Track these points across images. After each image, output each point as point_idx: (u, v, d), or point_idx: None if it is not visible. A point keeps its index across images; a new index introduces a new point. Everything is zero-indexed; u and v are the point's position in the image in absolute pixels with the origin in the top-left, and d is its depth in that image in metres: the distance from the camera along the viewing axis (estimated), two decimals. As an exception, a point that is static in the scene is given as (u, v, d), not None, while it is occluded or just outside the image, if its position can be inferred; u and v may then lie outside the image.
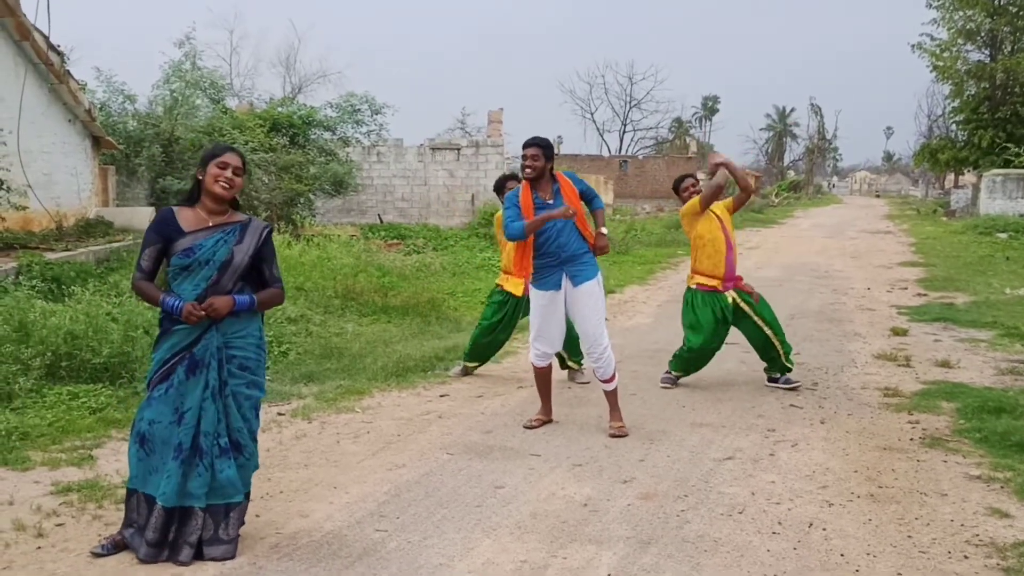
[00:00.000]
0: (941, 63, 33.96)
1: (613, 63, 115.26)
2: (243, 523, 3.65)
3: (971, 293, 11.84)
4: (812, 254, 18.19)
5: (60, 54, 11.70)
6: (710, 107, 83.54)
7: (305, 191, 16.32)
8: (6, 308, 6.39)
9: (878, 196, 74.93)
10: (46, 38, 11.13)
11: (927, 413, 5.82)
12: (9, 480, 4.33)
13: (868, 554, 3.64)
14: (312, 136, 18.44)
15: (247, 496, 3.66)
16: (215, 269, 3.53)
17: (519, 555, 3.60)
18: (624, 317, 10.07)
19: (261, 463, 3.84)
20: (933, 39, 34.20)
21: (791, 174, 74.48)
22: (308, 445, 5.09)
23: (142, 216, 12.35)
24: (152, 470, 3.51)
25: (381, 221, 22.23)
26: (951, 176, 47.85)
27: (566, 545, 3.71)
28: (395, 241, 17.66)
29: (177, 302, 3.48)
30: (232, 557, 3.50)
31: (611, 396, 5.44)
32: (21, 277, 8.06)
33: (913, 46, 34.37)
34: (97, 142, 12.94)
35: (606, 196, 29.96)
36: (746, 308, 6.41)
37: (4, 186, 9.71)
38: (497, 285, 6.95)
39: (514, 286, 6.68)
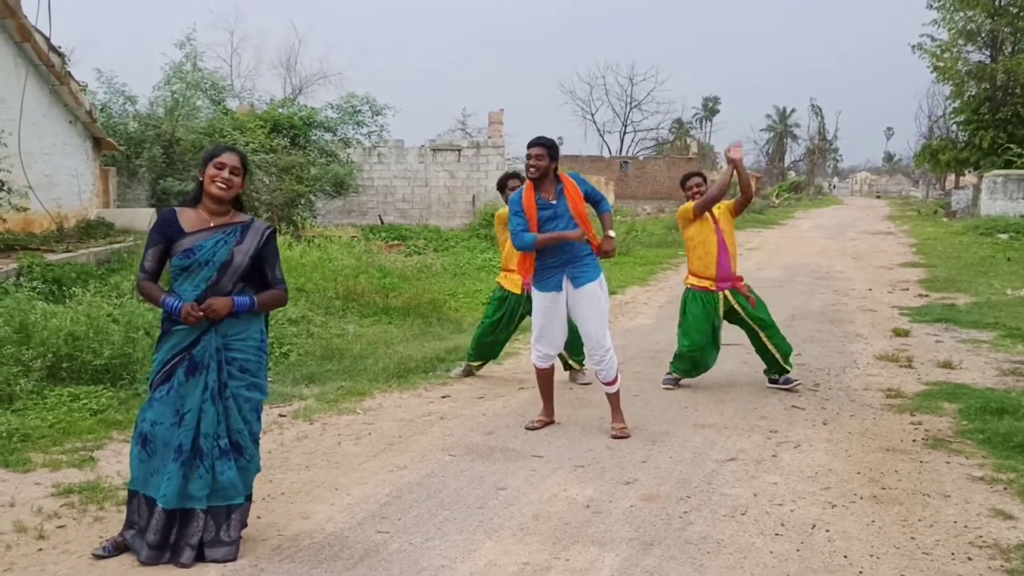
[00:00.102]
0: (942, 64, 33.98)
1: (614, 64, 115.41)
2: (245, 525, 3.64)
3: (972, 294, 11.83)
4: (813, 255, 18.18)
5: (61, 55, 11.71)
6: (711, 108, 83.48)
7: (306, 192, 16.32)
8: (7, 309, 6.39)
9: (879, 197, 74.93)
10: (47, 39, 11.13)
11: (929, 414, 5.81)
12: (10, 482, 4.32)
13: (871, 556, 3.63)
14: (313, 137, 18.45)
15: (249, 498, 3.65)
16: (215, 270, 3.52)
17: (521, 557, 3.59)
18: (625, 318, 10.06)
19: (262, 464, 3.83)
20: (934, 40, 34.26)
21: (792, 175, 74.51)
22: (309, 446, 5.08)
23: (143, 217, 12.34)
24: (153, 472, 3.50)
25: (382, 222, 22.23)
26: (952, 177, 47.85)
27: (569, 547, 3.70)
28: (396, 242, 17.65)
29: (177, 303, 3.48)
30: (234, 559, 3.49)
31: (613, 398, 5.42)
32: (22, 278, 8.05)
33: (913, 47, 34.44)
34: (98, 143, 12.94)
35: (607, 197, 29.90)
36: (739, 310, 6.41)
37: (5, 187, 9.71)
38: (497, 283, 6.97)
39: (512, 283, 6.71)
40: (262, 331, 3.69)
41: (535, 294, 5.44)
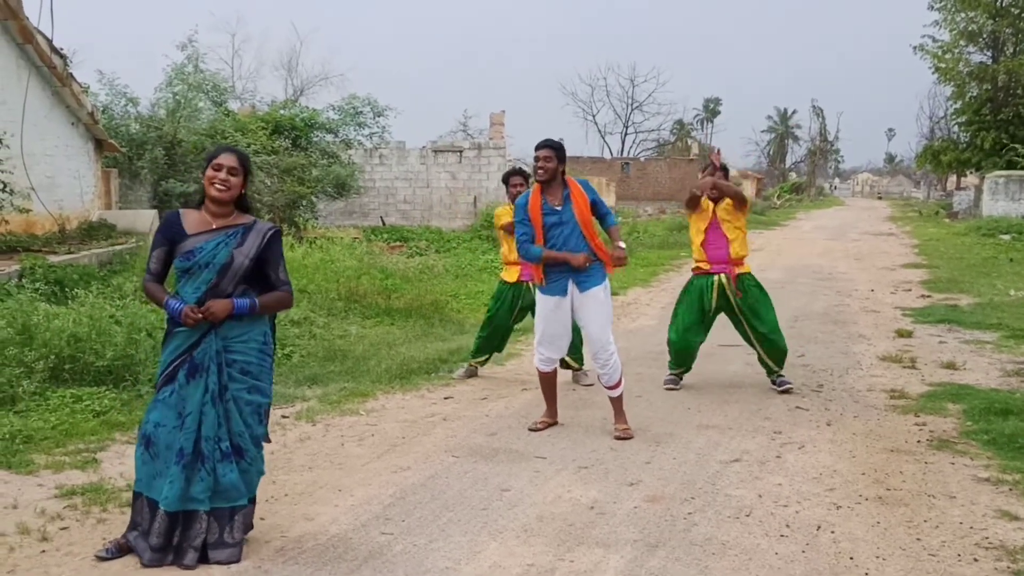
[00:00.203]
0: (943, 65, 33.94)
1: (615, 65, 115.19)
2: (250, 527, 3.63)
3: (975, 295, 11.81)
4: (815, 256, 18.16)
5: (63, 57, 11.70)
6: (712, 109, 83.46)
7: (307, 193, 16.32)
8: (9, 311, 6.38)
9: (880, 198, 74.89)
10: (49, 41, 11.12)
11: (934, 415, 5.79)
12: (13, 483, 4.31)
13: (877, 557, 3.61)
14: (314, 138, 18.45)
15: (253, 501, 3.64)
16: (215, 272, 3.51)
17: (526, 558, 3.58)
18: (628, 319, 10.05)
19: (265, 467, 3.81)
20: (935, 41, 34.22)
21: (793, 176, 74.47)
22: (312, 448, 5.08)
23: (144, 219, 12.34)
24: (156, 474, 3.49)
25: (383, 223, 22.23)
26: (953, 178, 47.82)
27: (573, 548, 3.69)
28: (398, 243, 17.65)
29: (178, 305, 3.48)
30: (237, 561, 3.48)
31: (616, 402, 5.41)
32: (24, 280, 8.04)
33: (915, 48, 34.40)
34: (100, 145, 12.93)
35: (608, 198, 29.95)
36: (730, 296, 6.43)
37: (7, 189, 9.70)
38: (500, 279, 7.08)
39: (509, 275, 6.77)
40: (266, 334, 3.67)
41: (540, 298, 5.42)
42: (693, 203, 6.54)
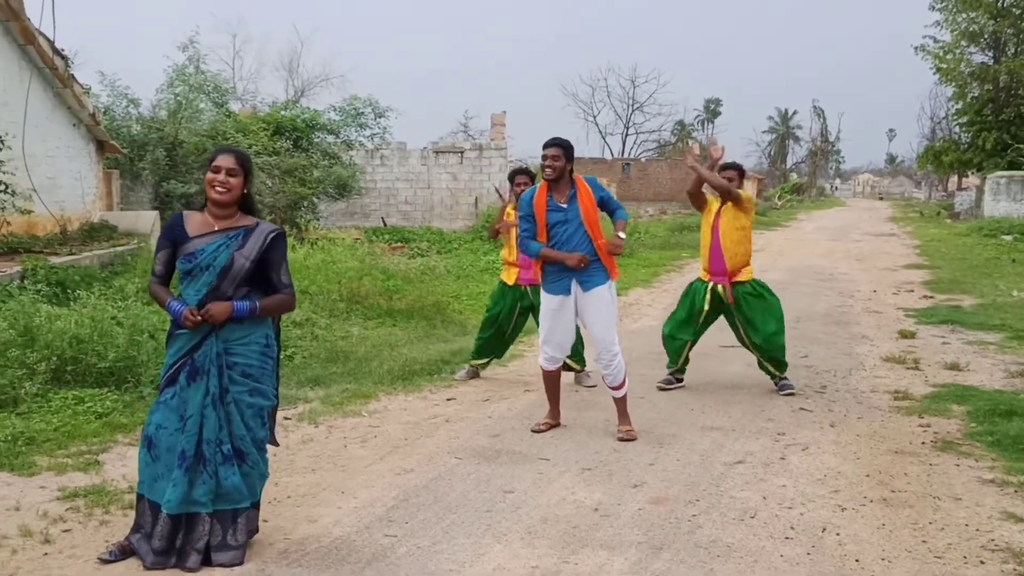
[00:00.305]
0: (944, 65, 33.93)
1: (616, 66, 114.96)
2: (256, 531, 3.62)
3: (978, 295, 11.79)
4: (817, 257, 18.14)
5: (65, 58, 11.69)
6: (712, 110, 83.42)
7: (309, 194, 16.31)
8: (11, 312, 6.37)
9: (881, 199, 74.81)
10: (51, 42, 11.12)
11: (938, 416, 5.77)
12: (15, 485, 4.30)
13: (883, 559, 3.60)
14: (315, 139, 18.44)
15: (256, 505, 3.63)
16: (215, 274, 3.50)
17: (530, 561, 3.57)
18: (630, 320, 10.03)
19: (269, 469, 3.80)
20: (936, 41, 34.21)
21: (794, 176, 74.42)
22: (315, 449, 5.06)
23: (146, 220, 12.33)
24: (158, 476, 3.48)
25: (385, 224, 22.22)
26: (954, 178, 47.78)
27: (578, 550, 3.67)
28: (399, 244, 17.65)
29: (180, 307, 3.47)
30: (240, 563, 3.47)
31: (620, 403, 5.39)
32: (26, 281, 8.03)
33: (916, 48, 34.40)
34: (101, 146, 12.92)
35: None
36: (727, 302, 6.43)
37: (9, 190, 9.69)
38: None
39: (508, 276, 6.78)
40: (268, 336, 3.66)
41: (544, 297, 5.41)
42: (693, 199, 6.53)
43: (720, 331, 6.83)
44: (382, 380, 6.72)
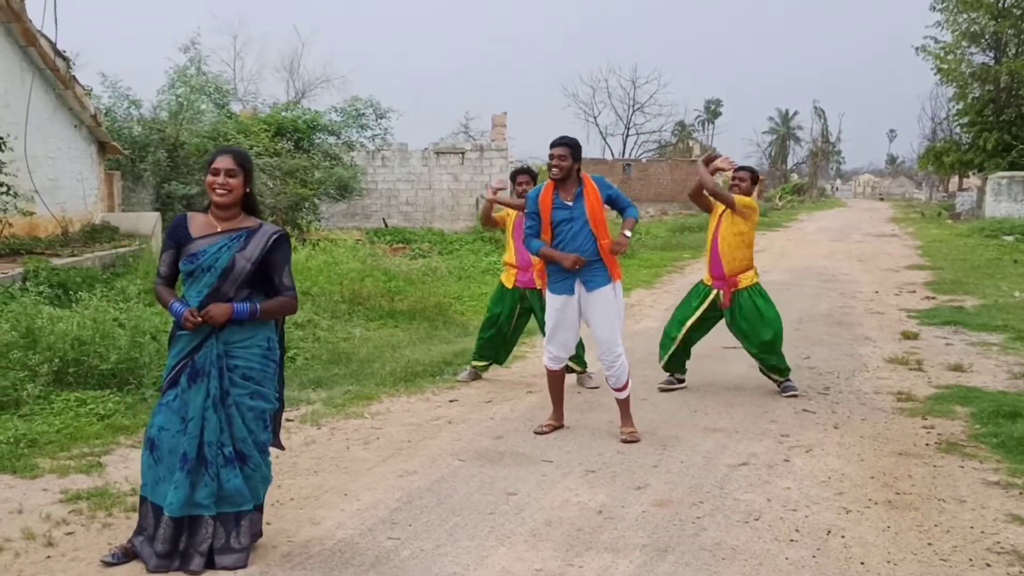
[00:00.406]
0: (945, 66, 33.89)
1: (616, 67, 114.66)
2: (259, 535, 3.61)
3: (980, 296, 11.77)
4: (818, 257, 18.12)
5: (66, 59, 11.68)
6: (713, 110, 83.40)
7: (310, 195, 16.30)
8: (13, 314, 6.37)
9: (882, 199, 74.80)
10: (52, 43, 11.11)
11: (942, 418, 5.76)
12: (18, 488, 4.29)
13: (888, 562, 3.59)
14: (317, 140, 18.44)
15: (260, 508, 3.62)
16: (216, 276, 3.49)
17: (534, 563, 3.56)
18: (632, 321, 10.00)
19: (272, 472, 3.78)
20: (937, 42, 34.19)
21: (795, 177, 74.36)
22: (318, 451, 5.05)
23: (147, 221, 12.32)
24: (160, 479, 3.47)
25: (386, 225, 22.22)
26: (955, 179, 47.75)
27: (582, 553, 3.66)
28: (400, 245, 17.64)
29: (181, 308, 3.47)
30: (244, 566, 3.46)
31: (623, 404, 5.38)
32: (28, 283, 8.03)
33: (917, 49, 34.38)
34: (103, 147, 12.92)
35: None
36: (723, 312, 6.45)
37: (11, 191, 9.68)
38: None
39: (507, 278, 6.76)
40: (270, 339, 3.65)
41: (548, 296, 5.41)
42: (696, 200, 6.51)
43: (721, 332, 6.82)
44: (384, 382, 6.71)
